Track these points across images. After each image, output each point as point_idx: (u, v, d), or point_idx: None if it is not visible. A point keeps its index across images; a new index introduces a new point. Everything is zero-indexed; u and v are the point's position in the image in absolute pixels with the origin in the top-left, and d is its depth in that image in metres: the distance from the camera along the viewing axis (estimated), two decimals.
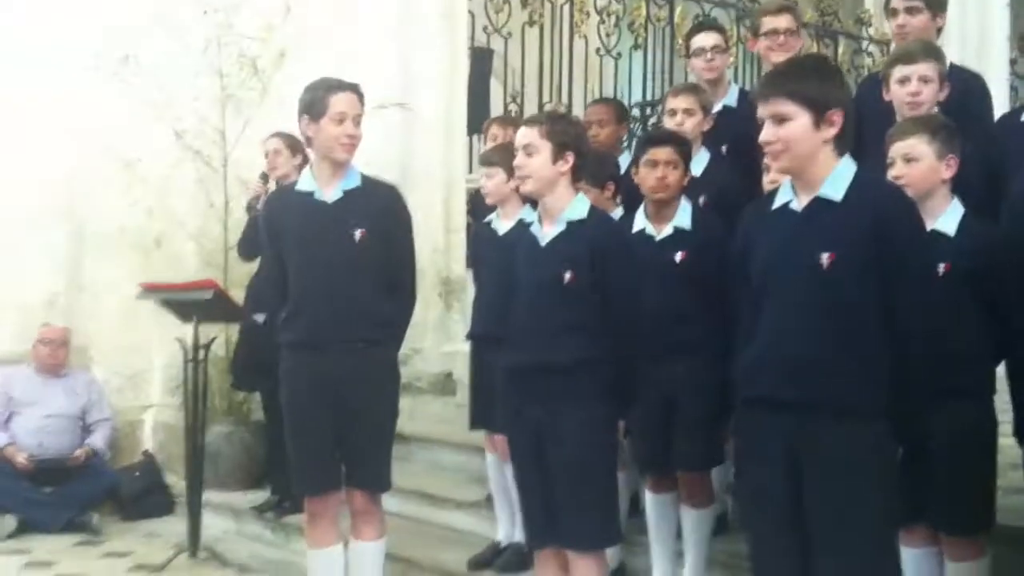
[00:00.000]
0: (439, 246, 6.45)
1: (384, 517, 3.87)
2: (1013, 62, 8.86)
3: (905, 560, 2.90)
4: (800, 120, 2.65)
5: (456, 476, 5.25)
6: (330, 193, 3.71)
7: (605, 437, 3.29)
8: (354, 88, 3.71)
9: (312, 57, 5.43)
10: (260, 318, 4.98)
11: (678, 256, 3.72)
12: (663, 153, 3.74)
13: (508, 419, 3.47)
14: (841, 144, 2.70)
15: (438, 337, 6.44)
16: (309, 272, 3.70)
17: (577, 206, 3.32)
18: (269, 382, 4.45)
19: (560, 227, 3.30)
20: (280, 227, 3.79)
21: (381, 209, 3.75)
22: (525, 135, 3.31)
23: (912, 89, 3.50)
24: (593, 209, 3.38)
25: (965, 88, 3.79)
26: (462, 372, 5.55)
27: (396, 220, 3.81)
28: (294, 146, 5.11)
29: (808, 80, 2.70)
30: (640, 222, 3.82)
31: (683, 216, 3.77)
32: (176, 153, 5.98)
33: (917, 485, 2.90)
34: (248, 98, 5.96)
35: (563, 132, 3.30)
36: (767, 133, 2.69)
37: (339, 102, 3.64)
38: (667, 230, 3.77)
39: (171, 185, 6.04)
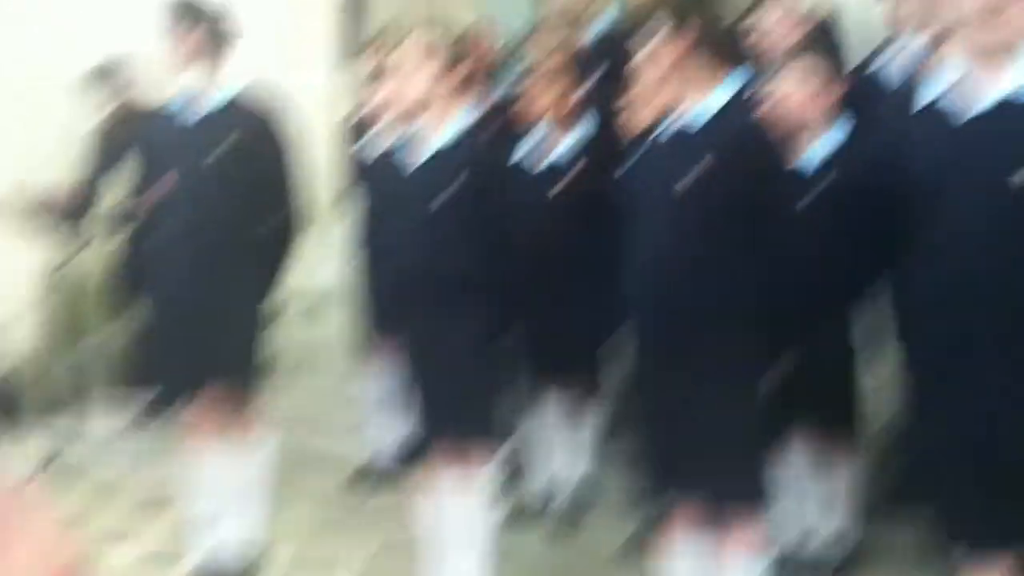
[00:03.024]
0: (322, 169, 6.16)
1: (261, 419, 3.71)
2: None
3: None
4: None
5: (335, 399, 5.23)
6: (196, 111, 3.58)
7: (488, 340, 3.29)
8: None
9: None
10: None
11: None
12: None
13: (399, 320, 3.45)
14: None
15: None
16: (167, 194, 3.57)
17: (460, 120, 3.27)
18: None
19: (441, 142, 3.23)
20: (143, 151, 3.84)
21: (249, 128, 3.56)
22: (413, 46, 3.21)
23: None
24: (476, 125, 3.33)
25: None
26: (340, 296, 5.47)
27: (265, 138, 3.60)
28: None
29: None
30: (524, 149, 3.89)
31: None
32: None
33: (795, 394, 2.96)
34: None
35: (454, 46, 3.25)
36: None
37: None
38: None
39: None
